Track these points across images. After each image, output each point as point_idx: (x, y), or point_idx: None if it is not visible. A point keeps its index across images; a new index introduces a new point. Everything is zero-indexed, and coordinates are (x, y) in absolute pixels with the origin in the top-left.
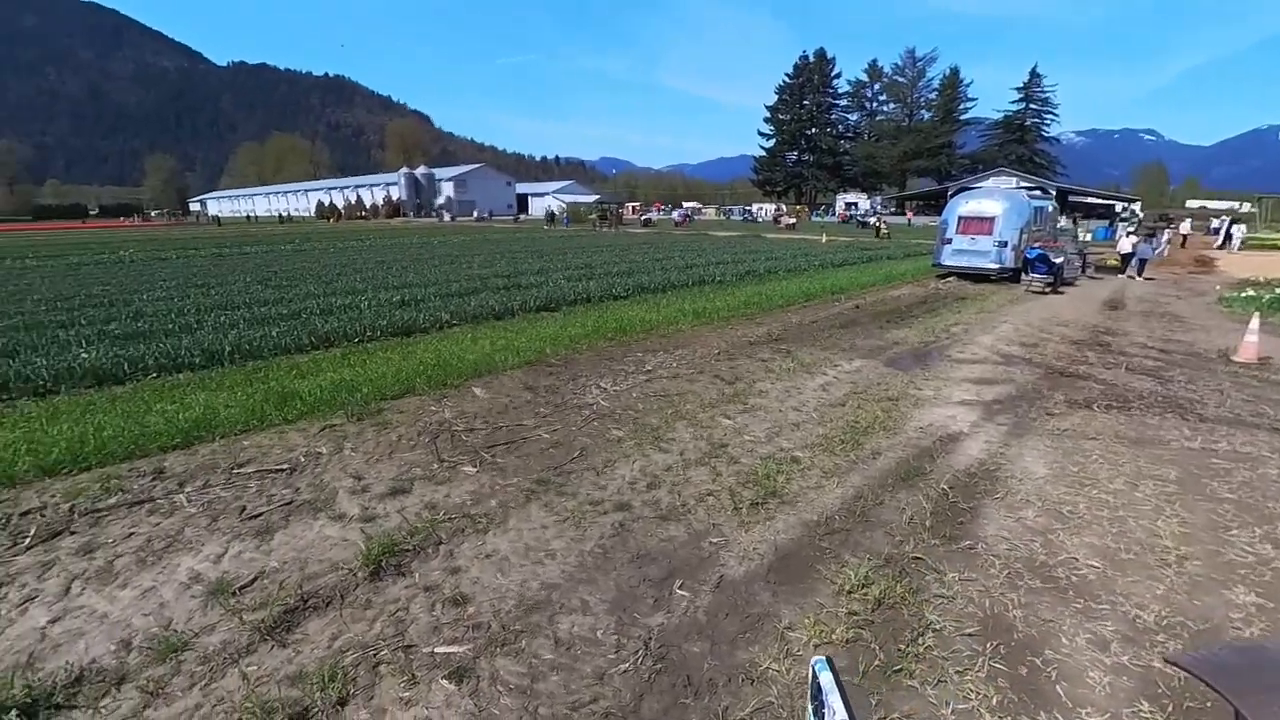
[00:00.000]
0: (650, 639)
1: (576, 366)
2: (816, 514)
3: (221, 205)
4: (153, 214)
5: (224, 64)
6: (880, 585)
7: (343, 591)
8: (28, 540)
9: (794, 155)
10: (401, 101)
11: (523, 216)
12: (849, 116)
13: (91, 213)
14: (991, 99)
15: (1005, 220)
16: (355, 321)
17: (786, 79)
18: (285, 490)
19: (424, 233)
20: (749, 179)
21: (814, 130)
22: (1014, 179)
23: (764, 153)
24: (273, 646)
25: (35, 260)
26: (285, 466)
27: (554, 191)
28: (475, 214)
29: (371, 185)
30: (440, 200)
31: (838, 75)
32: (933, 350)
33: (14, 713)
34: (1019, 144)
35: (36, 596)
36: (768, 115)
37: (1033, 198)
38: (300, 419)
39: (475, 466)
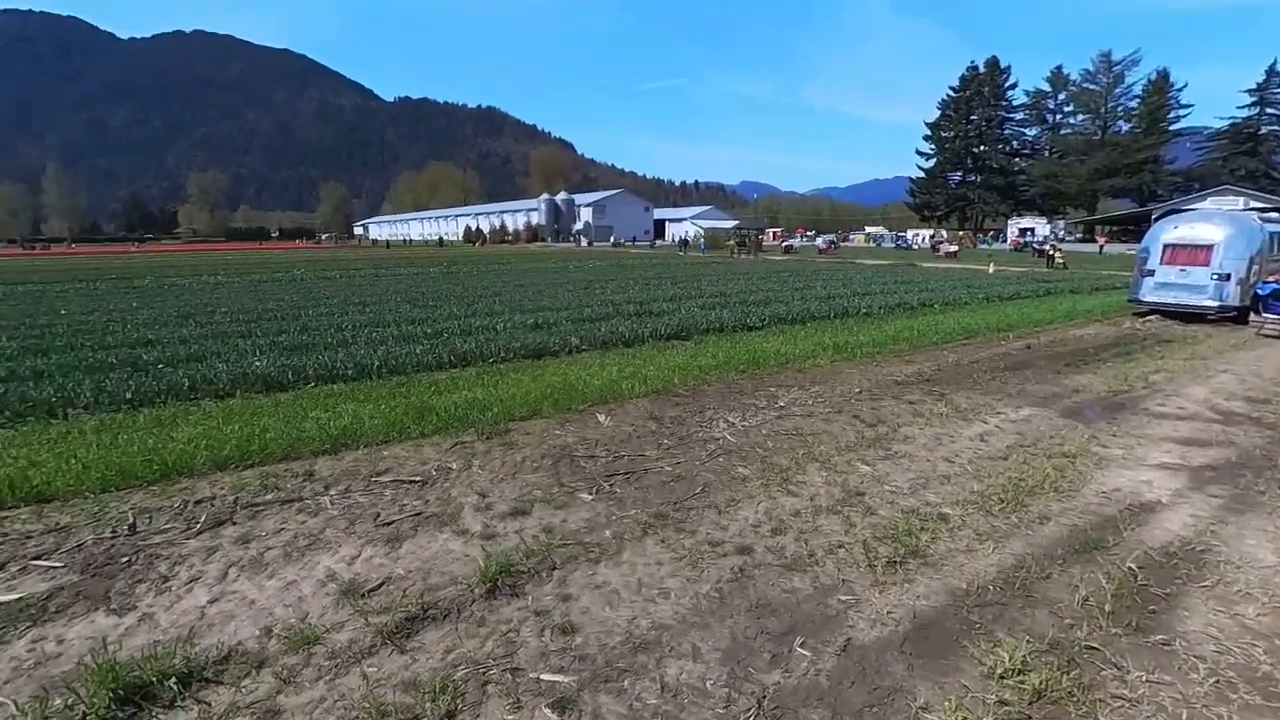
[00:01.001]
0: (764, 698)
1: (704, 398)
2: (966, 581)
3: (381, 229)
4: (323, 237)
5: (391, 99)
6: (1041, 674)
7: (460, 606)
8: (198, 526)
9: (958, 176)
10: (547, 130)
11: (659, 242)
12: (1025, 131)
13: (273, 235)
14: (1211, 105)
15: (1228, 248)
16: (491, 342)
17: (951, 93)
18: (416, 501)
19: (561, 258)
20: (904, 203)
21: (982, 147)
22: (1241, 199)
23: (922, 174)
24: (392, 651)
25: (224, 276)
26: (418, 478)
27: (691, 217)
28: (612, 240)
29: (514, 211)
30: (579, 225)
31: (1012, 86)
32: (1124, 401)
33: (173, 680)
34: (1249, 156)
35: (200, 578)
36: (928, 133)
37: (1267, 221)
38: (435, 434)
39: (593, 494)
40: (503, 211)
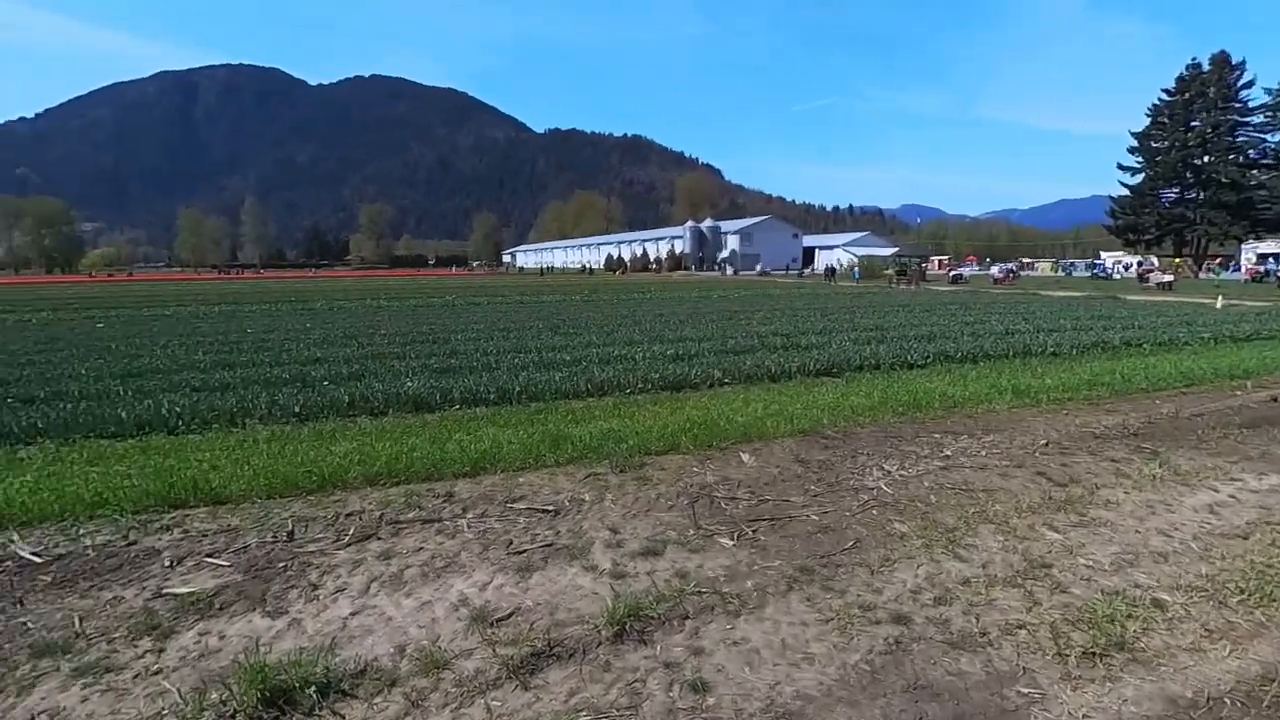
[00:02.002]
0: None
1: (857, 442)
2: (1192, 689)
3: (527, 257)
4: (474, 264)
5: (541, 131)
6: None
7: (585, 646)
8: (347, 539)
9: (1173, 193)
10: (693, 156)
11: (807, 271)
12: (1265, 137)
13: (430, 262)
14: None
15: None
16: (629, 372)
17: (1165, 96)
18: (548, 531)
19: (704, 287)
20: (1102, 225)
21: (1207, 159)
22: None
23: (1127, 191)
24: (516, 687)
25: (385, 301)
26: (551, 508)
27: (845, 244)
28: (758, 268)
29: (657, 239)
30: (724, 253)
31: (1247, 84)
32: None
33: (313, 689)
34: None
35: (345, 589)
36: (1134, 144)
37: None
38: (570, 463)
39: (733, 539)
40: (645, 239)
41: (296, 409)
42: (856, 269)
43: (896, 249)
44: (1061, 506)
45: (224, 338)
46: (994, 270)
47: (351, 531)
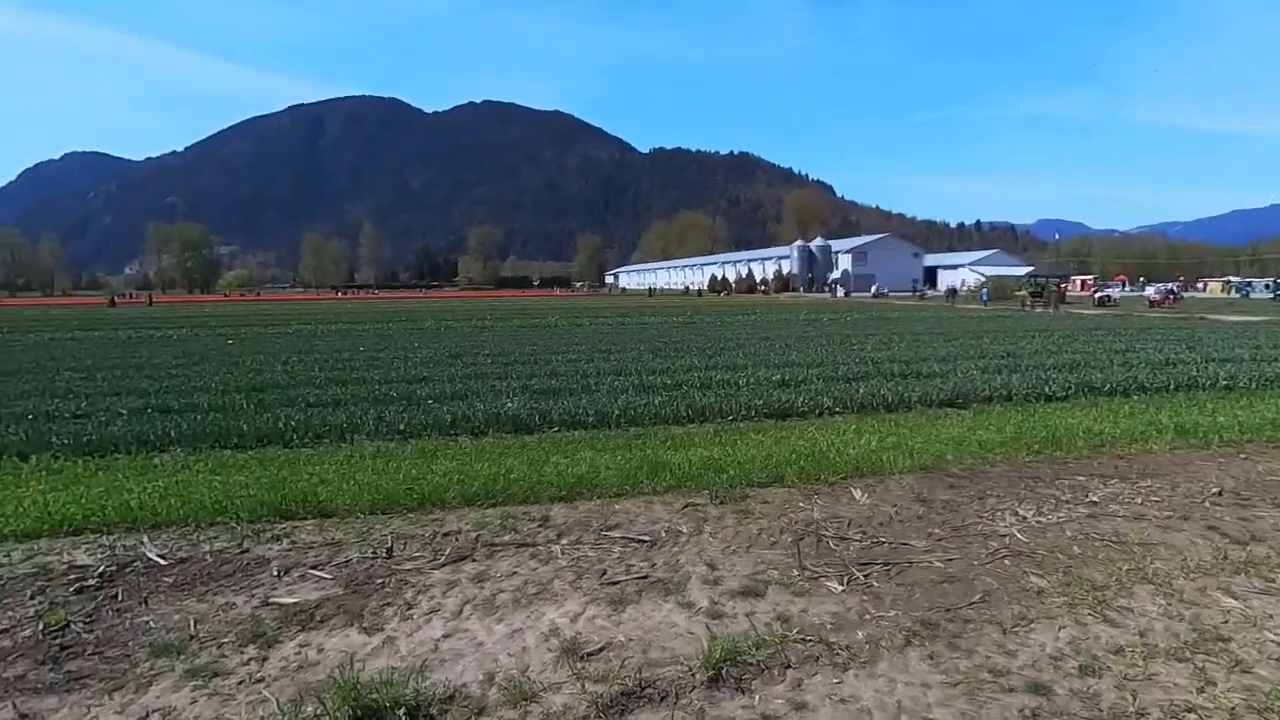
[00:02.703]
0: None
1: (986, 481)
2: None
3: (629, 278)
4: (577, 285)
5: (646, 151)
6: None
7: (678, 690)
8: (443, 559)
9: None
10: (803, 172)
11: (929, 292)
12: None
13: (534, 283)
14: None
15: None
16: (731, 398)
17: None
18: (643, 563)
19: (813, 309)
20: None
21: None
22: None
23: None
24: None
25: (490, 321)
26: (647, 538)
27: (971, 263)
28: (873, 290)
29: (763, 259)
30: (835, 274)
31: None
32: None
33: (403, 711)
34: None
35: (439, 610)
36: None
37: None
38: (667, 491)
39: (843, 584)
40: (751, 260)
41: (401, 426)
42: (985, 290)
43: (1031, 268)
44: (1241, 568)
45: (338, 355)
46: (1149, 291)
47: (448, 551)
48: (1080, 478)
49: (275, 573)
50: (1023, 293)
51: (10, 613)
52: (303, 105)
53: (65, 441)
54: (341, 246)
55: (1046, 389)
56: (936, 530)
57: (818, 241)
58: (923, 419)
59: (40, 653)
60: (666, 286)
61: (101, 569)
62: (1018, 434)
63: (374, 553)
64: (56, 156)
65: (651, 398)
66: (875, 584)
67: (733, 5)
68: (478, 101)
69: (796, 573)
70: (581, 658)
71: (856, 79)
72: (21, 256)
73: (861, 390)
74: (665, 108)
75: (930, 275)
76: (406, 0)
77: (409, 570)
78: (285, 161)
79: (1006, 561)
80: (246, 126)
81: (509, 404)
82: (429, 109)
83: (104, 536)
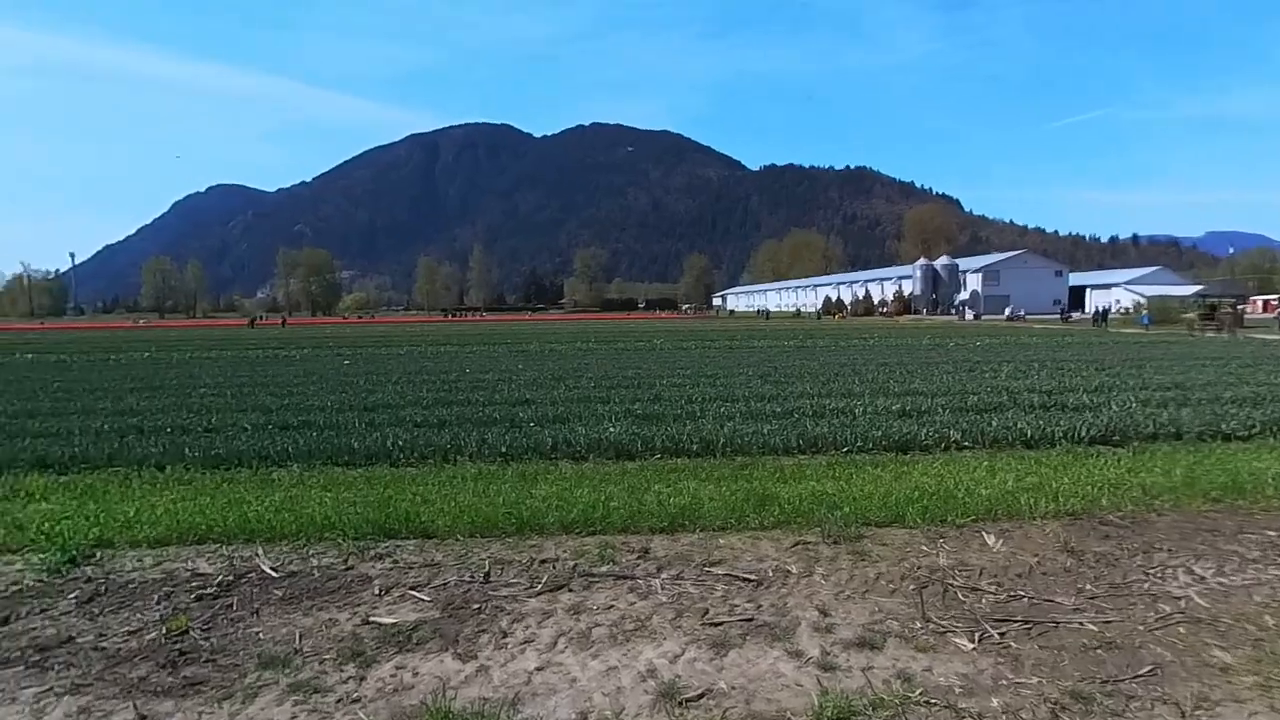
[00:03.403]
0: None
1: (1151, 532)
2: None
3: (738, 300)
4: (684, 308)
5: (756, 168)
6: None
7: None
8: (539, 587)
9: None
10: (925, 186)
11: (1075, 315)
12: None
13: (639, 305)
14: None
15: None
16: (846, 428)
17: None
18: (748, 604)
19: (938, 333)
20: None
21: None
22: None
23: None
24: None
25: (594, 344)
26: (753, 577)
27: (1127, 282)
28: (1007, 312)
29: (882, 279)
30: (963, 295)
31: None
32: None
33: None
34: None
35: (533, 641)
36: None
37: None
38: (775, 527)
39: (973, 641)
40: (868, 280)
41: (503, 449)
42: (1146, 312)
43: (1200, 286)
44: None
45: (445, 377)
46: None
47: (544, 580)
48: (1271, 533)
49: (376, 591)
50: (1191, 315)
51: (140, 615)
52: (419, 134)
53: (196, 454)
54: (452, 270)
55: (1224, 426)
56: (1089, 586)
57: (943, 260)
58: (1069, 457)
59: (161, 656)
60: (777, 308)
61: (220, 578)
62: (1190, 478)
63: (471, 576)
64: (202, 189)
65: (760, 426)
66: (1013, 644)
67: (848, 16)
68: (586, 124)
69: (919, 625)
70: (680, 703)
71: (986, 85)
72: (170, 281)
73: (995, 423)
74: (776, 123)
75: (1077, 296)
76: (517, 30)
77: (505, 597)
78: (402, 188)
79: (1181, 629)
80: (368, 156)
81: (611, 429)
82: (538, 133)
83: (224, 547)
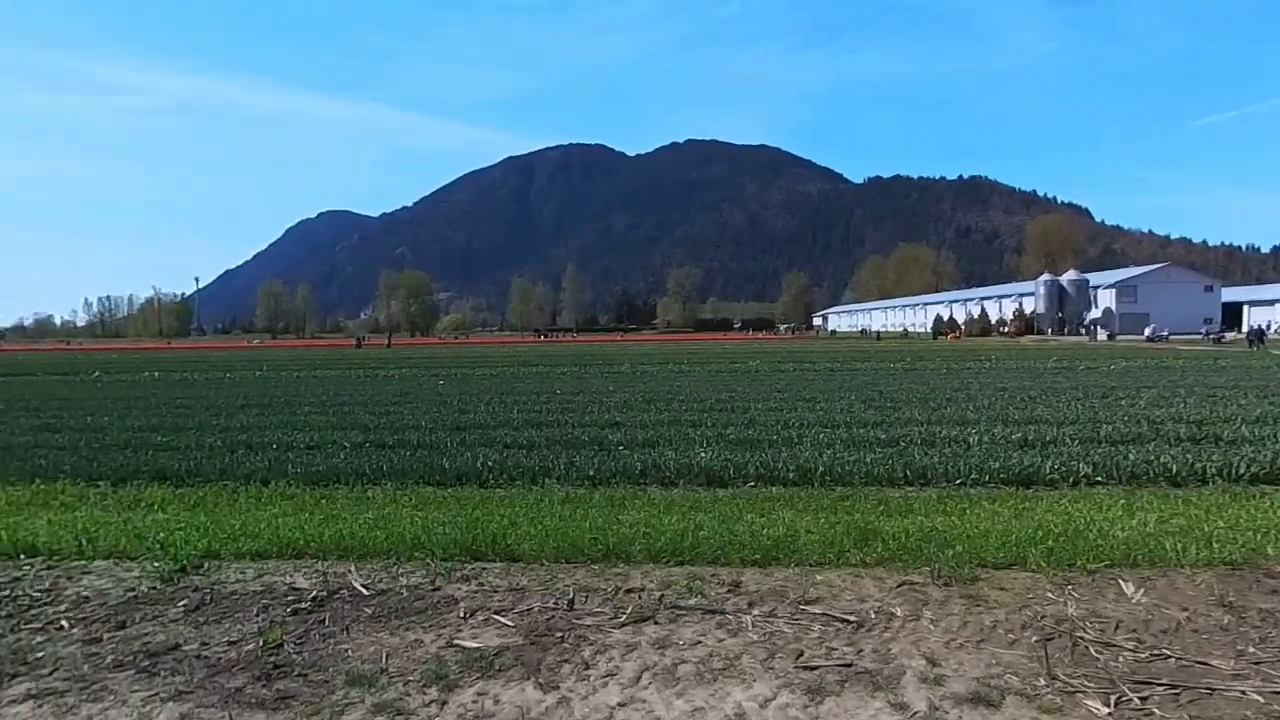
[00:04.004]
0: None
1: None
2: None
3: (840, 319)
4: (781, 328)
5: (860, 180)
6: None
7: None
8: (624, 617)
9: None
10: (1049, 195)
11: (1230, 335)
12: None
13: (735, 325)
14: None
15: None
16: (959, 459)
17: None
18: (846, 648)
19: (1066, 354)
20: None
21: None
22: None
23: None
24: None
25: (687, 366)
26: (852, 618)
27: None
28: (1147, 332)
29: (1000, 297)
30: (1094, 313)
31: None
32: None
33: None
34: None
35: (616, 674)
36: None
37: None
38: (878, 564)
39: (1109, 705)
40: (984, 297)
41: (591, 472)
42: None
43: None
44: None
45: (535, 398)
46: None
47: (629, 610)
48: None
49: (461, 614)
50: None
51: (240, 626)
52: (515, 157)
53: (298, 471)
54: (545, 290)
55: None
56: (1252, 649)
57: (1070, 275)
58: (1225, 497)
59: (257, 668)
60: (883, 328)
61: (314, 593)
62: None
63: (555, 603)
64: (313, 215)
65: (862, 454)
66: (1157, 711)
67: (958, 17)
68: (680, 141)
69: (1044, 682)
70: None
71: (1118, 83)
72: (282, 304)
73: (1133, 456)
74: (881, 133)
75: (1232, 313)
76: (612, 49)
77: (589, 626)
78: (498, 210)
79: None
80: (466, 179)
81: (702, 454)
82: (632, 152)
83: (320, 562)
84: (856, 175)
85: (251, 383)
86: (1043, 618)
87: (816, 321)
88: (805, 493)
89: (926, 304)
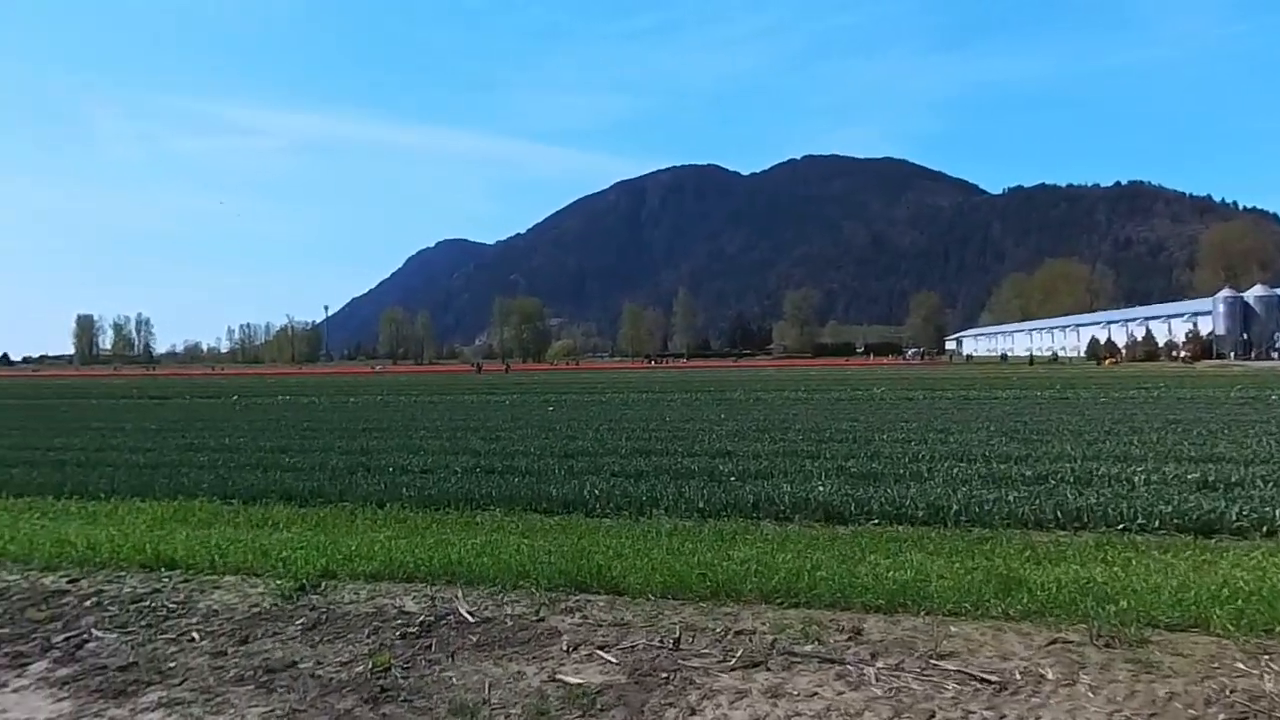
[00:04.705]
0: None
1: None
2: None
3: (975, 343)
4: (909, 353)
5: (999, 191)
6: None
7: None
8: (733, 661)
9: None
10: (1228, 200)
11: None
12: None
13: (858, 350)
14: None
15: None
16: (1122, 500)
17: None
18: (987, 711)
19: (1253, 382)
20: None
21: None
22: None
23: None
24: None
25: (804, 393)
26: (994, 679)
27: None
28: None
29: (1169, 317)
30: None
31: None
32: None
33: None
34: None
35: None
36: None
37: None
38: (1024, 618)
39: None
40: (1149, 318)
41: (700, 504)
42: None
43: None
44: None
45: (644, 425)
46: None
47: (739, 654)
48: None
49: (565, 647)
50: None
51: (351, 647)
52: (626, 180)
53: (411, 494)
54: (656, 315)
55: None
56: None
57: (1257, 290)
58: None
59: (366, 690)
60: (1027, 352)
61: (422, 618)
62: None
63: (661, 641)
64: (432, 244)
65: (1003, 491)
66: None
67: (1108, 6)
68: (797, 158)
69: None
70: None
71: None
72: (402, 330)
73: None
74: (1022, 139)
75: None
76: (724, 67)
77: (695, 668)
78: (610, 235)
79: None
80: (577, 205)
81: (820, 487)
82: (746, 171)
83: (429, 586)
84: (994, 186)
85: (373, 407)
86: (1232, 692)
87: (949, 346)
88: (936, 533)
89: (1079, 326)
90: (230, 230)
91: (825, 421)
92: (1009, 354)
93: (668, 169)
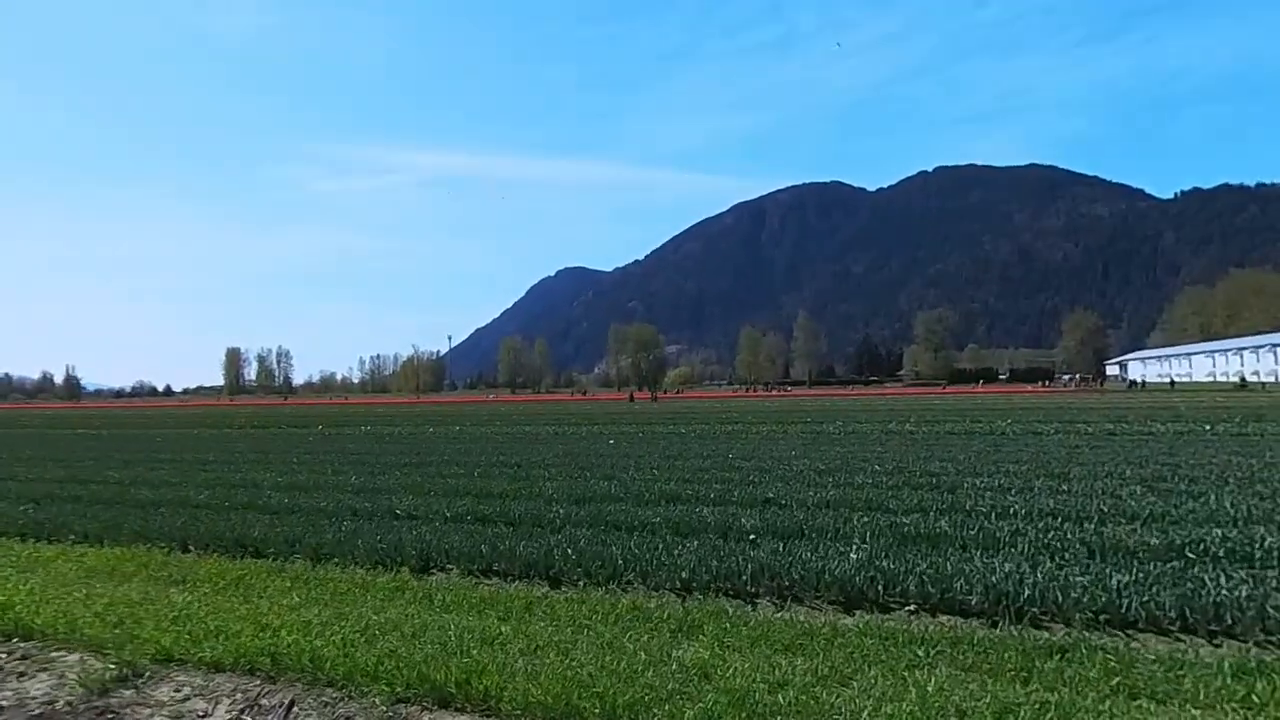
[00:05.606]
0: None
1: None
2: None
3: (1144, 366)
4: (1064, 379)
5: (1169, 196)
6: None
7: None
8: None
9: None
10: None
11: None
12: None
13: (1000, 376)
14: None
15: None
16: None
17: None
18: None
19: None
20: None
21: None
22: None
23: None
24: None
25: (912, 425)
26: None
27: None
28: None
29: None
30: None
31: None
32: None
33: None
34: None
35: None
36: None
37: None
38: None
39: None
40: None
41: (684, 574)
42: None
43: None
44: None
45: (698, 462)
46: None
47: None
48: None
49: None
50: None
51: None
52: (745, 201)
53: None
54: (777, 340)
55: None
56: None
57: None
58: None
59: None
60: (1207, 377)
61: None
62: None
63: None
64: (552, 273)
65: (1107, 570)
66: None
67: None
68: (929, 170)
69: None
70: None
71: None
72: (521, 359)
73: None
74: (1195, 136)
75: None
76: (847, 78)
77: None
78: (728, 258)
79: None
80: (695, 229)
81: (853, 554)
82: (872, 186)
83: (262, 682)
84: (1163, 190)
85: (442, 439)
86: None
87: (1111, 370)
88: (985, 632)
89: (1275, 346)
90: (370, 267)
91: (915, 461)
92: (1181, 379)
93: (789, 188)
